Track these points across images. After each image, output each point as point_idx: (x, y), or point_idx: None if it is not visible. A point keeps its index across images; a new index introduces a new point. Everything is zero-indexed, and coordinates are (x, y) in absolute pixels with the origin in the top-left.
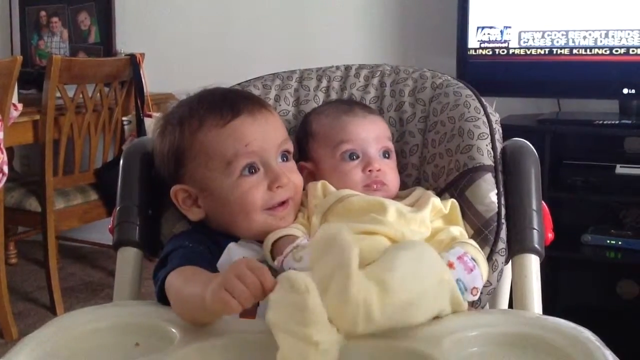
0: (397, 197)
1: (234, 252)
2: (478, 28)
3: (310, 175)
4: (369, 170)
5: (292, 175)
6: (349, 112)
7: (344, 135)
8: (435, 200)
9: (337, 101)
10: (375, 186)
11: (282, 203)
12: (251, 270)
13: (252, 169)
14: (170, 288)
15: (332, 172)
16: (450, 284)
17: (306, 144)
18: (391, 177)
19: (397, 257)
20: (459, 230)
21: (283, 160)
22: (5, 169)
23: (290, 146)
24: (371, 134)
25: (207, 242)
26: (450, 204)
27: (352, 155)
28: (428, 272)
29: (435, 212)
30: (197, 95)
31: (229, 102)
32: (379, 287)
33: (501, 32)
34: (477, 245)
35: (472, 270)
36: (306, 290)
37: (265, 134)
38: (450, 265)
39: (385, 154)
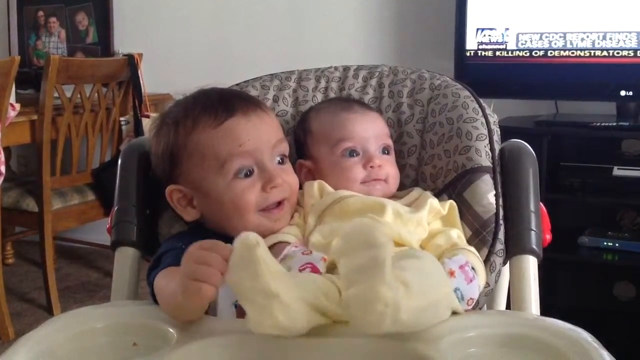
0: (395, 197)
1: None
2: (478, 30)
3: (310, 173)
4: (370, 167)
5: (287, 176)
6: (348, 109)
7: (343, 133)
8: (433, 201)
9: (335, 99)
10: (375, 182)
11: (278, 205)
12: (206, 249)
13: (247, 171)
14: (156, 289)
15: (332, 170)
16: (452, 300)
17: (305, 141)
18: (391, 172)
19: (409, 265)
20: (457, 233)
21: (279, 163)
22: (3, 169)
23: (285, 147)
24: (370, 131)
25: None
26: (449, 206)
27: (353, 153)
28: (438, 282)
29: (434, 213)
30: (193, 95)
31: (223, 103)
32: (404, 288)
33: (502, 34)
34: (477, 252)
35: (471, 280)
36: (256, 243)
37: (260, 134)
38: (451, 273)
39: (385, 151)
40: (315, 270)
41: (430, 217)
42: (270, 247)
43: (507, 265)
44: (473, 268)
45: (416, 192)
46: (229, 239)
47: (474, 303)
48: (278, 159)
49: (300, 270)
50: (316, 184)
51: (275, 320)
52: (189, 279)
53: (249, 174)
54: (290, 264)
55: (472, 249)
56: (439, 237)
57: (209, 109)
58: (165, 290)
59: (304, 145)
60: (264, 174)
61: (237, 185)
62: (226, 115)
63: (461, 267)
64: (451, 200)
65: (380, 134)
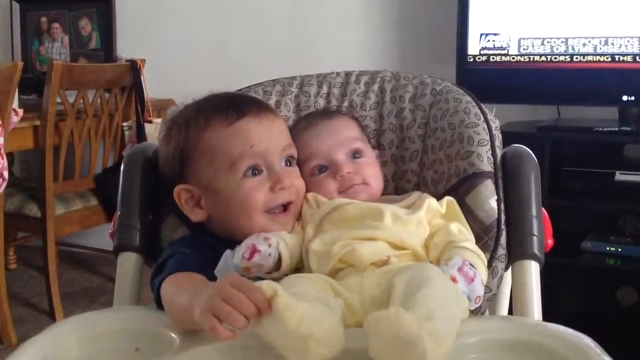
0: (394, 201)
1: (229, 258)
2: (482, 35)
3: None
4: (341, 176)
5: (295, 179)
6: (310, 126)
7: (307, 152)
8: (431, 201)
9: (306, 115)
10: (353, 189)
11: (284, 209)
12: (238, 287)
13: (255, 170)
14: (164, 296)
15: (309, 187)
16: (466, 308)
17: None
18: (368, 174)
19: (429, 299)
20: (456, 227)
21: (287, 165)
22: (6, 174)
23: (294, 151)
24: (334, 141)
25: (205, 248)
26: (446, 202)
27: (322, 168)
28: (456, 304)
29: (433, 213)
30: (204, 98)
31: (235, 104)
32: (435, 340)
33: (507, 39)
34: (474, 247)
35: (472, 280)
36: (273, 293)
37: (270, 136)
38: (453, 279)
39: (356, 155)
40: (253, 249)
41: (430, 216)
42: None
43: (510, 270)
44: (472, 265)
45: (415, 194)
46: (232, 243)
47: (481, 299)
48: (286, 161)
49: (242, 254)
50: (311, 195)
51: (319, 356)
52: (210, 312)
53: (257, 173)
54: (238, 248)
55: (468, 244)
56: (437, 236)
57: (221, 109)
58: (175, 301)
59: None
60: (272, 175)
61: (246, 183)
62: (238, 116)
63: (459, 269)
64: (448, 197)
65: (345, 140)
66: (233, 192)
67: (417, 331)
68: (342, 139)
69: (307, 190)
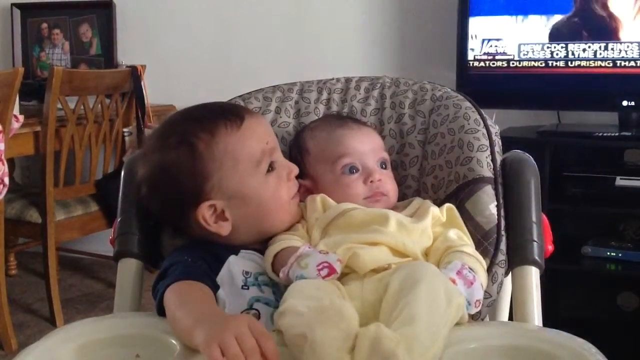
0: (396, 208)
1: (233, 265)
2: (482, 40)
3: (308, 192)
4: (370, 182)
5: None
6: (343, 126)
7: (342, 149)
8: (434, 209)
9: (327, 116)
10: (377, 197)
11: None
12: (252, 331)
13: (271, 167)
14: (167, 305)
15: (333, 187)
16: (462, 309)
17: (302, 161)
18: (391, 186)
19: (415, 302)
20: (456, 233)
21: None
22: (6, 180)
23: None
24: (367, 145)
25: (207, 256)
26: (446, 210)
27: (353, 169)
28: (447, 306)
29: (434, 221)
30: (184, 115)
31: (227, 109)
32: (417, 345)
33: (509, 44)
34: (473, 251)
35: (472, 283)
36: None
37: (271, 133)
38: (452, 282)
39: (383, 165)
40: (332, 270)
41: (432, 225)
42: (279, 252)
43: (510, 276)
44: (471, 269)
45: (417, 201)
46: (235, 248)
47: (481, 304)
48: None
49: (318, 270)
50: (319, 197)
51: None
52: (217, 343)
53: (272, 169)
54: (308, 261)
55: (467, 248)
56: (438, 241)
57: (218, 117)
58: (177, 317)
59: (301, 165)
60: (283, 168)
61: (271, 181)
62: (240, 118)
63: (458, 272)
64: (447, 204)
65: (377, 148)
66: (262, 191)
67: (394, 348)
68: (375, 146)
69: (330, 189)
